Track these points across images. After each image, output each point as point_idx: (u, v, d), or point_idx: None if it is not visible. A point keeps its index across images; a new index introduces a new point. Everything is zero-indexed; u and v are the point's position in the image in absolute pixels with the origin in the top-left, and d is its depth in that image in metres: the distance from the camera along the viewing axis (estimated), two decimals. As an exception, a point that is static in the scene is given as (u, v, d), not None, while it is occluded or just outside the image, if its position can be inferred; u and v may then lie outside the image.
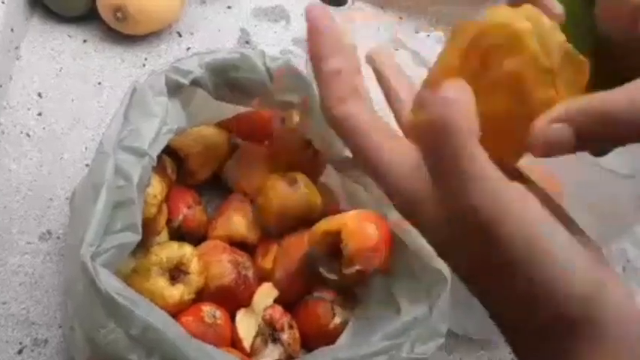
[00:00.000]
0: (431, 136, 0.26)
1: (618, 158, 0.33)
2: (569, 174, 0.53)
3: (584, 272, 0.26)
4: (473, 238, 0.26)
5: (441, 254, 0.30)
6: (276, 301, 0.61)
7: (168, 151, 0.63)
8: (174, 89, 0.58)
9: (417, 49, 0.99)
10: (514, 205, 0.25)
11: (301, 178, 0.65)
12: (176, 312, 0.57)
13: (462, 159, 0.25)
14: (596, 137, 0.28)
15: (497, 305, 0.28)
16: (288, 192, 0.64)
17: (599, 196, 0.56)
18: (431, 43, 1.00)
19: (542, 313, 0.26)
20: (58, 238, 0.66)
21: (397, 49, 0.97)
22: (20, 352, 0.60)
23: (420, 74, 0.32)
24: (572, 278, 0.26)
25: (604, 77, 0.29)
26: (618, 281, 0.27)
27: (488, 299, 0.28)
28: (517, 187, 0.26)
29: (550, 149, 0.28)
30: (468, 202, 0.25)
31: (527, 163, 0.31)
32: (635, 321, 0.27)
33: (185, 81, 0.58)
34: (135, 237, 0.51)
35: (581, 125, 0.27)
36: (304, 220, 0.64)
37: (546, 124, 0.28)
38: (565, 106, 0.28)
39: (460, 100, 0.25)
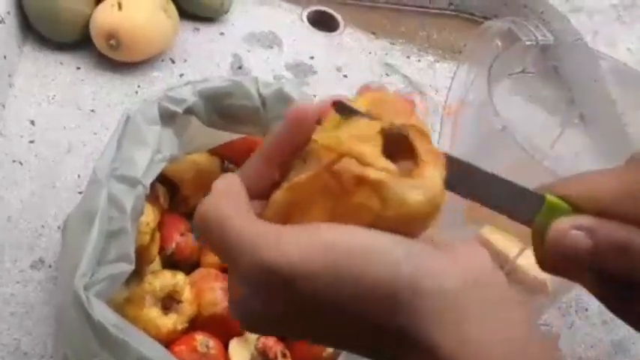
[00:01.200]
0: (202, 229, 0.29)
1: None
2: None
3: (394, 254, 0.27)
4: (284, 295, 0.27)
5: (278, 330, 0.31)
6: (270, 328, 0.61)
7: (161, 178, 0.63)
8: (168, 118, 0.58)
9: (408, 74, 1.00)
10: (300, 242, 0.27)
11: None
12: (169, 341, 0.57)
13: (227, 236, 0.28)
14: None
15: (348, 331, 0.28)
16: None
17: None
18: (422, 68, 1.01)
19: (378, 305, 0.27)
20: (50, 266, 0.66)
21: (388, 75, 0.98)
22: (11, 383, 0.59)
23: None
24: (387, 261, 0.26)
25: None
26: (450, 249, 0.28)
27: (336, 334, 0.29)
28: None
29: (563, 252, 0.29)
30: (263, 264, 0.27)
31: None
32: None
33: (179, 109, 0.58)
34: (128, 267, 0.51)
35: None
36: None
37: (568, 227, 0.29)
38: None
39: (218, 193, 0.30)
